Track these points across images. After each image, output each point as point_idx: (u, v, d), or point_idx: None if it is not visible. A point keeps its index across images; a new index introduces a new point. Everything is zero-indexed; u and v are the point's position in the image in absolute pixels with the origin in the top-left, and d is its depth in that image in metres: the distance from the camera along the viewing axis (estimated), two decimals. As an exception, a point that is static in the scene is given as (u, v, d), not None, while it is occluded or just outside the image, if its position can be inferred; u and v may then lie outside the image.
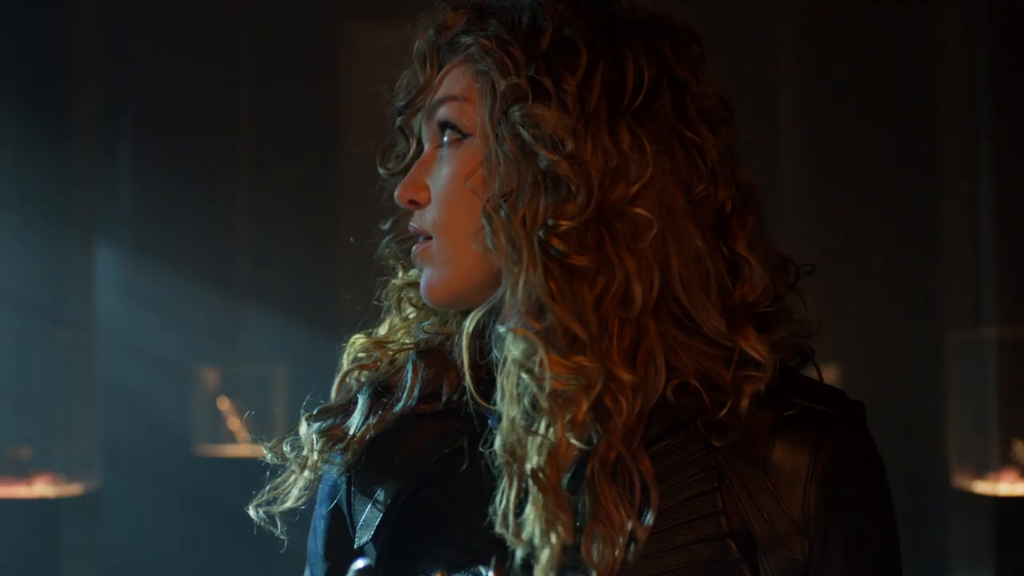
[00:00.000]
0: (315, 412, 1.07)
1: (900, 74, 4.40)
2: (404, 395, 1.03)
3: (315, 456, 1.04)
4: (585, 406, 0.91)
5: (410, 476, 1.01)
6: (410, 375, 1.03)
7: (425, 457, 1.01)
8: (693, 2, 1.10)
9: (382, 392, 1.05)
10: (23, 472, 3.86)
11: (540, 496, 0.91)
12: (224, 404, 4.42)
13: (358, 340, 1.09)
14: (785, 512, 0.95)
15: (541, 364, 0.92)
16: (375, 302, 1.10)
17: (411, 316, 1.08)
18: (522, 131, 0.94)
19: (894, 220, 4.36)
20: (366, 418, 1.04)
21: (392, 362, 1.06)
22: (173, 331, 4.36)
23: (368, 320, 1.10)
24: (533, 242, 0.93)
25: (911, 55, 4.40)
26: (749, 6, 4.47)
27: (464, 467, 1.00)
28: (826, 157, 4.41)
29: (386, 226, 1.07)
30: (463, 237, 0.97)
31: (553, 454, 0.92)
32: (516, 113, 0.95)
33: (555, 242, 0.92)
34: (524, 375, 0.92)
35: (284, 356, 4.43)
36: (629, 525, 0.91)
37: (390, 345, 1.07)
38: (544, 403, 0.92)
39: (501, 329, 0.94)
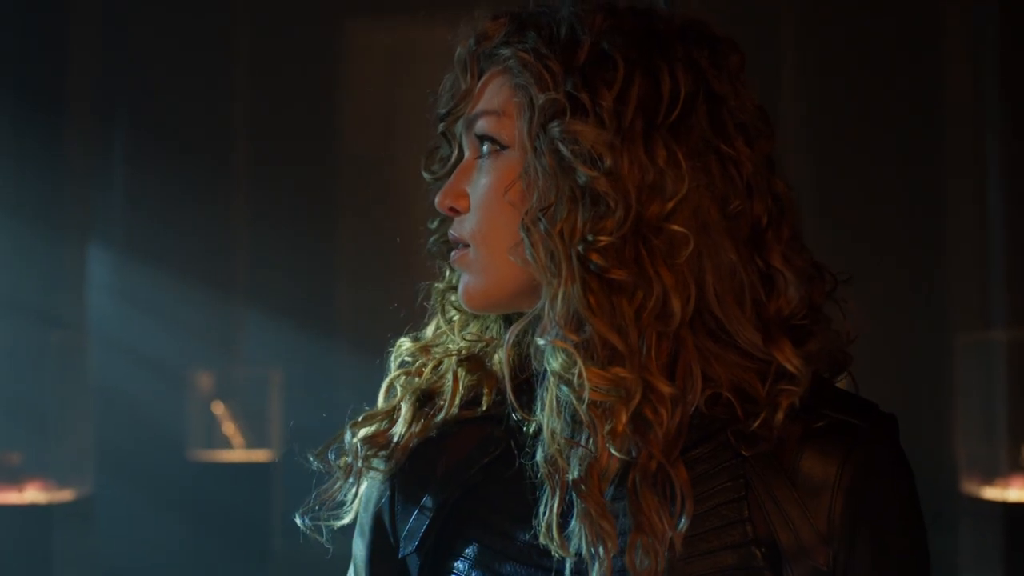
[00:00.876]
0: (360, 419, 1.09)
1: (904, 69, 4.40)
2: (446, 404, 1.07)
3: (359, 463, 1.07)
4: (624, 417, 0.94)
5: (453, 485, 1.05)
6: (451, 383, 1.07)
7: (467, 466, 1.05)
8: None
9: (425, 399, 1.08)
10: (14, 478, 3.85)
11: (584, 507, 0.94)
12: (219, 408, 4.41)
13: (404, 344, 1.12)
14: (810, 522, 0.97)
15: (580, 376, 0.95)
16: (425, 304, 1.13)
17: (455, 319, 1.11)
18: (560, 146, 0.97)
19: (898, 219, 4.37)
20: (409, 425, 1.07)
21: (435, 368, 1.09)
22: (167, 333, 4.36)
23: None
24: (572, 256, 0.96)
25: (915, 50, 4.40)
26: (749, 4, 4.48)
27: (506, 476, 1.03)
28: (827, 155, 4.41)
29: (433, 225, 1.10)
30: (501, 247, 1.00)
31: (594, 465, 0.95)
32: (555, 128, 0.98)
33: (594, 257, 0.95)
34: (563, 387, 0.96)
35: (281, 359, 4.44)
36: (669, 534, 0.95)
37: (435, 350, 1.10)
38: (583, 414, 0.95)
39: (541, 342, 0.97)
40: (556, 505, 0.95)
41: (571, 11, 1.02)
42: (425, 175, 1.10)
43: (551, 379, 0.97)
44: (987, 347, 4.09)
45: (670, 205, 0.97)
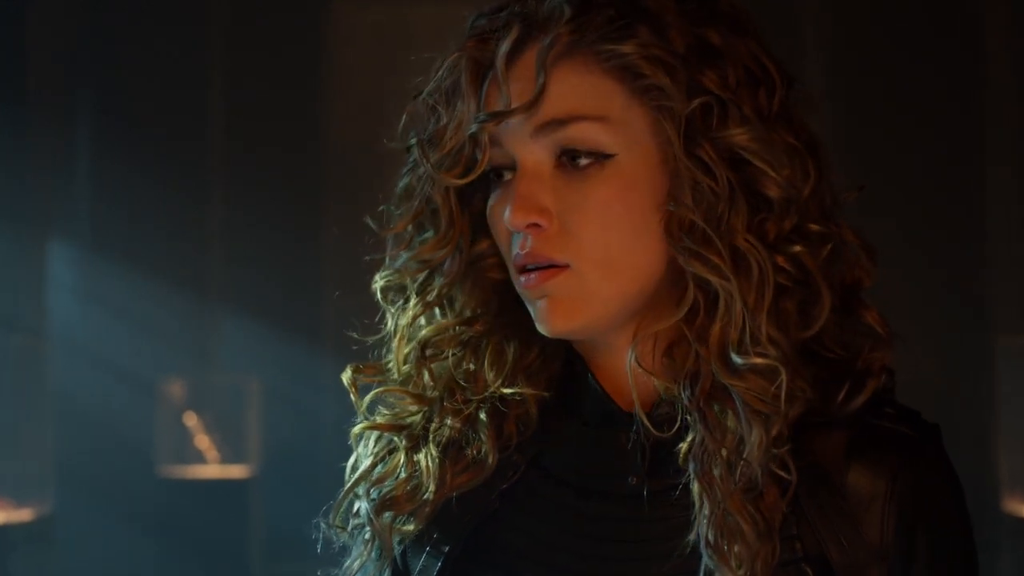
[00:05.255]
0: (373, 478, 1.09)
1: (938, 57, 4.39)
2: (487, 453, 1.07)
3: (387, 535, 1.07)
4: (777, 429, 0.98)
5: (470, 516, 1.06)
6: (486, 433, 1.07)
7: (484, 493, 1.07)
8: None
9: (447, 447, 1.09)
10: (-33, 496, 3.84)
11: (743, 523, 0.98)
12: (192, 420, 4.39)
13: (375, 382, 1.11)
14: (863, 537, 0.99)
15: (779, 387, 0.98)
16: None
17: (453, 354, 1.10)
18: (709, 149, 0.99)
19: (934, 215, 4.36)
20: (442, 483, 1.07)
21: (445, 414, 1.09)
22: (136, 339, 4.35)
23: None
24: (765, 264, 0.98)
25: (951, 35, 4.40)
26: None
27: (530, 500, 1.05)
28: (858, 146, 4.38)
29: (422, 237, 1.08)
30: (620, 265, 1.00)
31: (749, 477, 0.99)
32: (713, 134, 0.99)
33: (781, 261, 0.99)
34: (740, 399, 0.98)
35: (259, 366, 4.42)
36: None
37: (430, 392, 1.10)
38: (746, 424, 0.98)
39: (739, 360, 0.98)
40: (716, 520, 0.98)
41: None
42: (449, 181, 1.04)
43: (732, 391, 0.99)
44: (1031, 352, 4.12)
45: (812, 203, 1.01)
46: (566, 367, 1.09)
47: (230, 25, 4.60)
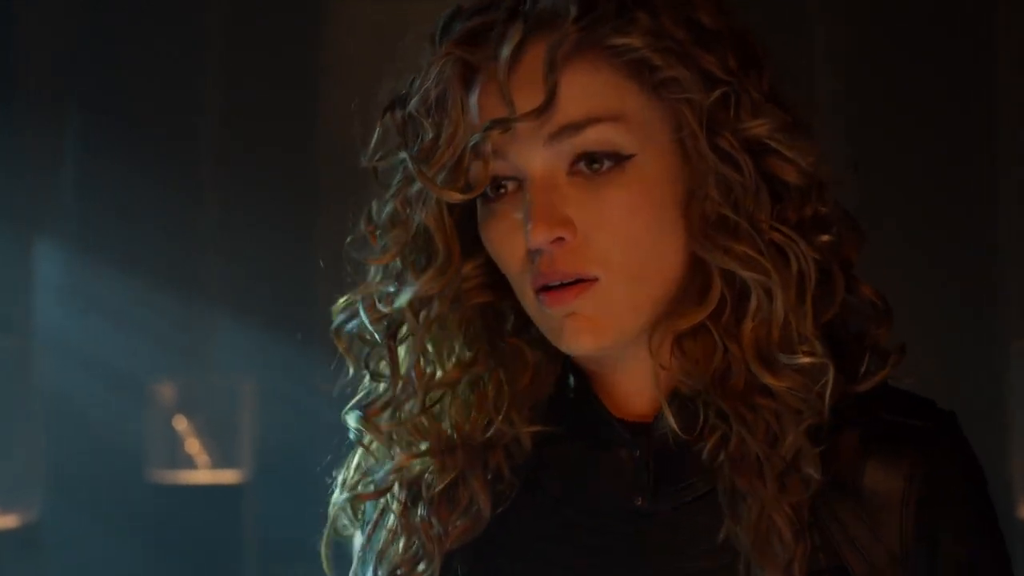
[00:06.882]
0: (377, 550, 1.07)
1: (952, 52, 4.38)
2: (479, 505, 1.05)
3: None
4: (817, 426, 0.97)
5: (460, 546, 1.04)
6: (478, 482, 1.05)
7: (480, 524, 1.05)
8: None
9: (443, 495, 1.06)
10: (-49, 501, 3.84)
11: (781, 524, 0.96)
12: (183, 423, 4.37)
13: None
14: (882, 543, 0.97)
15: (824, 386, 0.96)
16: None
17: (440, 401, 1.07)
18: (732, 139, 0.97)
19: (947, 214, 4.35)
20: (443, 537, 1.05)
21: (449, 464, 1.05)
22: (125, 340, 4.32)
23: None
24: (790, 256, 0.97)
25: (964, 28, 4.39)
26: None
27: (525, 517, 1.03)
28: (867, 144, 4.37)
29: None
30: (650, 271, 0.97)
31: (790, 478, 0.97)
32: (719, 121, 0.97)
33: (812, 251, 0.97)
34: (776, 403, 0.97)
35: (253, 368, 4.41)
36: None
37: (402, 438, 1.06)
38: (786, 423, 0.96)
39: (783, 359, 0.95)
40: (753, 522, 0.96)
41: None
42: (452, 197, 0.98)
43: (772, 390, 0.96)
44: (1046, 356, 4.09)
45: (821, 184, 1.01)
46: (559, 384, 1.05)
47: (226, 22, 4.58)
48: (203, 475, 4.31)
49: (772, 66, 1.01)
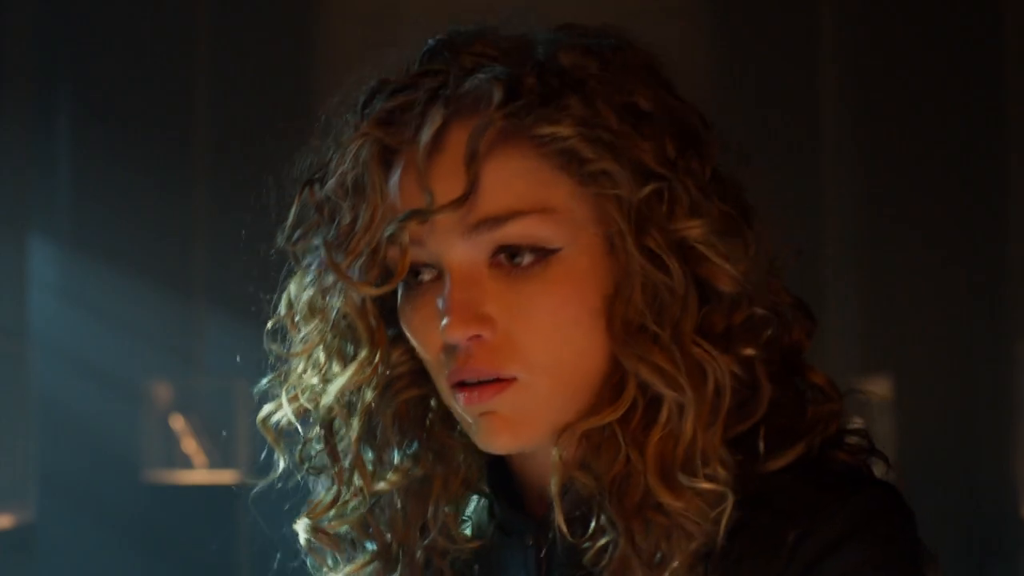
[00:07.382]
0: None
1: (960, 46, 4.36)
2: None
3: None
4: (707, 548, 0.93)
5: None
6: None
7: None
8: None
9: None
10: (-57, 504, 3.85)
11: None
12: (178, 423, 4.36)
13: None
14: None
15: (721, 513, 0.92)
16: None
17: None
18: (660, 239, 0.91)
19: (953, 211, 4.34)
20: None
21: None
22: (119, 340, 4.31)
23: None
24: (707, 373, 0.91)
25: (972, 24, 4.36)
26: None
27: None
28: (874, 140, 4.38)
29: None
30: (571, 371, 0.93)
31: None
32: (649, 219, 0.91)
33: (733, 366, 0.92)
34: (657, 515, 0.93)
35: (247, 368, 4.33)
36: None
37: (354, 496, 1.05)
38: (675, 543, 0.92)
39: (683, 480, 0.91)
40: None
41: (546, 52, 0.93)
42: (363, 292, 0.95)
43: (667, 509, 0.91)
44: (1052, 356, 4.10)
45: (758, 283, 0.96)
46: (488, 470, 1.03)
47: (217, 17, 4.56)
48: (199, 475, 4.30)
49: (716, 147, 0.95)
